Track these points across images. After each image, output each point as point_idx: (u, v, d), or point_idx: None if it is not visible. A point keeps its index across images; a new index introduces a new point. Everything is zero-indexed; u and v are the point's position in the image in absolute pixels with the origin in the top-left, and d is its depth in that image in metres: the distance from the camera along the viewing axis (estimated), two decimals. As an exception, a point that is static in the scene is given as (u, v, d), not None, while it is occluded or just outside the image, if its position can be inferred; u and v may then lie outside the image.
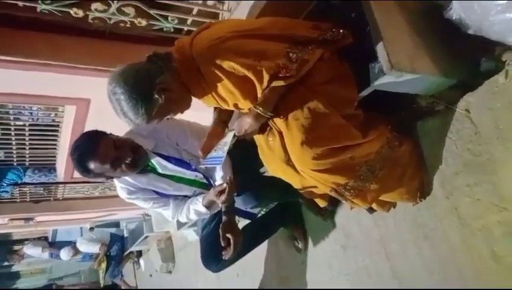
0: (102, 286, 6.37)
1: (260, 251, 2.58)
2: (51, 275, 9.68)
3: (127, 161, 1.64)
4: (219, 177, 1.83)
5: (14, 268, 8.42)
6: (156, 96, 1.31)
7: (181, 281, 4.40)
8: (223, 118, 1.66)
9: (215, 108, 1.68)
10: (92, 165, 1.57)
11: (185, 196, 1.98)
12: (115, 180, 1.83)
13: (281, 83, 1.32)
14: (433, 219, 1.59)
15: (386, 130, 1.57)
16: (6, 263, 7.00)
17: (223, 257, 1.78)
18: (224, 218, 1.80)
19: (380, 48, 1.40)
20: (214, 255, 2.09)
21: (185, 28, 1.94)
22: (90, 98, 2.26)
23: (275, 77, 1.34)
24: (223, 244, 1.77)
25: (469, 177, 1.47)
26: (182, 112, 1.50)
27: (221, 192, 1.66)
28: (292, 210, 2.34)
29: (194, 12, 1.87)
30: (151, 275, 5.58)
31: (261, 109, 1.36)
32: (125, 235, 5.41)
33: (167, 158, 1.82)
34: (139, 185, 1.84)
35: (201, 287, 3.72)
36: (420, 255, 1.63)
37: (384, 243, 1.80)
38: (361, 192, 1.58)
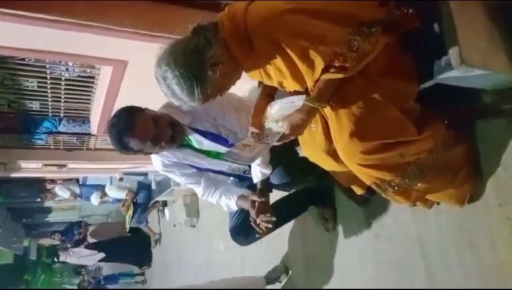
0: (128, 230, 6.65)
1: (287, 225, 2.56)
2: (81, 212, 10.21)
3: (166, 138, 1.61)
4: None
5: (46, 204, 8.88)
6: (210, 72, 1.22)
7: (203, 239, 4.51)
8: (269, 91, 1.53)
9: (260, 83, 1.57)
10: (131, 143, 1.55)
11: (220, 172, 1.94)
12: None
13: (338, 75, 1.21)
14: (481, 226, 1.49)
15: (442, 127, 1.43)
16: (39, 200, 7.38)
17: (256, 236, 1.79)
18: (259, 197, 1.78)
19: (450, 40, 1.24)
20: (243, 229, 2.09)
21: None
22: (128, 60, 2.19)
23: (330, 66, 1.21)
24: (255, 226, 1.76)
25: (530, 189, 1.35)
26: (234, 85, 1.40)
27: (259, 212, 1.72)
28: (325, 190, 2.27)
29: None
30: (174, 226, 5.75)
31: (316, 103, 1.26)
32: (153, 187, 5.53)
33: (204, 133, 1.77)
34: (175, 159, 1.82)
35: (223, 249, 3.80)
36: (461, 262, 1.55)
37: (421, 242, 1.73)
38: (405, 190, 1.48)
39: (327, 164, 1.57)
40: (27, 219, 9.86)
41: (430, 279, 1.68)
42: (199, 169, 1.91)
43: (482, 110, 1.51)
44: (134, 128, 1.53)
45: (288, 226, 2.64)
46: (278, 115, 1.38)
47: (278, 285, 2.80)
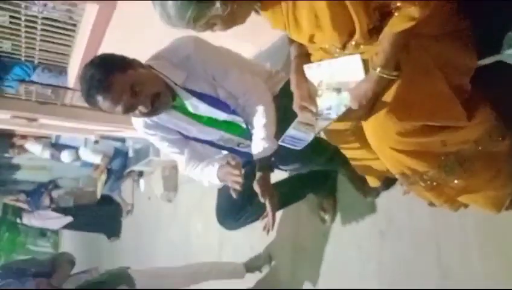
0: (99, 197, 6.32)
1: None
2: (51, 173, 9.75)
3: (142, 111, 1.38)
4: (259, 125, 1.49)
5: (15, 161, 8.44)
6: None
7: (180, 216, 4.24)
8: (307, 50, 1.24)
9: (291, 41, 1.26)
10: (100, 103, 1.33)
11: (210, 142, 1.66)
12: None
13: (408, 24, 0.94)
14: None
15: (492, 116, 1.21)
16: (7, 155, 6.96)
17: (266, 233, 1.54)
18: (258, 175, 1.52)
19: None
20: (232, 212, 1.85)
21: None
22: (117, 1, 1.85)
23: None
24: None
25: None
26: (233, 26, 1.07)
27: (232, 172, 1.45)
28: (328, 177, 2.02)
29: None
30: (149, 198, 5.47)
31: (386, 71, 1.03)
32: (130, 154, 5.21)
33: (200, 96, 1.47)
34: (158, 121, 1.54)
35: (200, 229, 3.54)
36: (485, 267, 1.35)
37: (438, 241, 1.51)
38: (439, 186, 1.25)
39: (348, 146, 1.34)
40: (-7, 174, 9.38)
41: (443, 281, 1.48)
42: (185, 137, 1.63)
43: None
44: (106, 91, 1.30)
45: (279, 211, 2.40)
46: (334, 82, 1.13)
47: (258, 274, 2.58)
